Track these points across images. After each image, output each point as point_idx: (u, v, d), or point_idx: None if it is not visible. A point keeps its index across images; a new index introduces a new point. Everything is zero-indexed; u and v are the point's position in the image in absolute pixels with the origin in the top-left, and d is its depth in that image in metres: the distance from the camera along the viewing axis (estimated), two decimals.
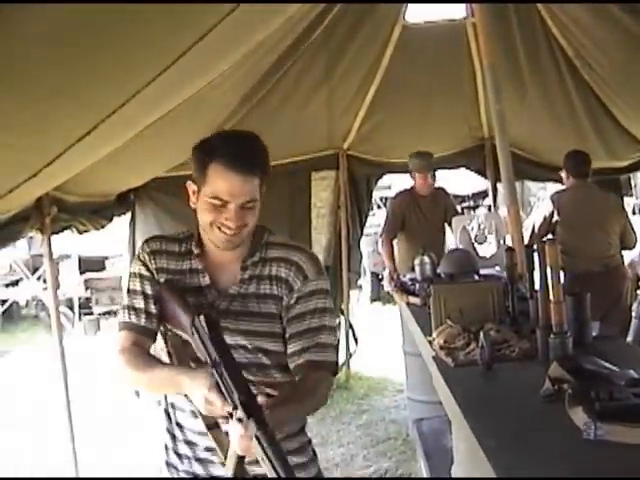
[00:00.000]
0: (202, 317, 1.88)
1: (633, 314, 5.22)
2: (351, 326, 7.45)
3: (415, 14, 5.61)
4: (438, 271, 4.76)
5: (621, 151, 6.71)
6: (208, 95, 3.92)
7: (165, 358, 2.11)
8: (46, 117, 2.36)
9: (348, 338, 7.39)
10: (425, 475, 3.74)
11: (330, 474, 4.98)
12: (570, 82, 5.86)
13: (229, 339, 1.98)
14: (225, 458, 1.90)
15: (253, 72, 4.78)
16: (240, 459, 1.81)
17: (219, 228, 1.94)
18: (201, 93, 3.60)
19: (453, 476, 2.85)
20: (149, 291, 2.08)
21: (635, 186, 11.41)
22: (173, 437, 2.16)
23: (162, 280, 2.08)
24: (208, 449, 2.05)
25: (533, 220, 5.56)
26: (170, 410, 2.16)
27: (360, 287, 9.87)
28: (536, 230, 5.38)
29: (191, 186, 1.99)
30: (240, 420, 1.71)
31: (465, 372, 2.78)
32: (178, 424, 2.14)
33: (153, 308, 2.07)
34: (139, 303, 2.07)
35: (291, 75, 5.38)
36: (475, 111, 6.73)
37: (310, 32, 4.96)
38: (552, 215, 5.37)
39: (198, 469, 2.10)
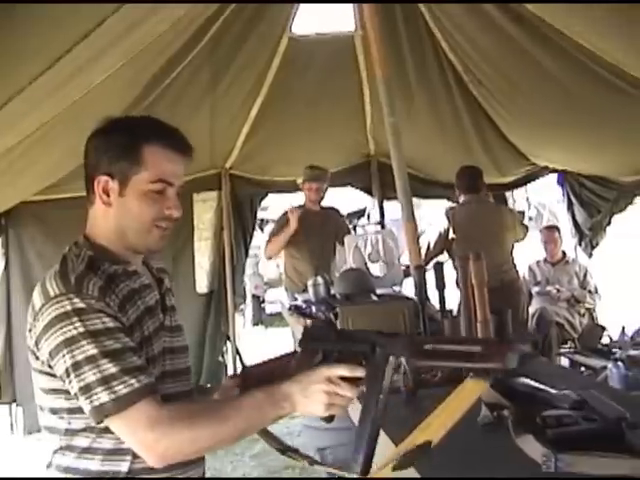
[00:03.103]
0: None
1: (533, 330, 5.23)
2: (238, 352, 7.15)
3: (302, 26, 5.38)
4: (333, 292, 4.59)
5: (507, 167, 6.78)
6: (87, 107, 3.59)
7: None
8: None
9: (235, 364, 7.08)
10: None
11: None
12: (458, 97, 5.83)
13: (183, 359, 1.81)
14: None
15: (134, 83, 4.47)
16: None
17: (156, 225, 1.67)
18: (80, 104, 3.31)
19: None
20: (131, 343, 1.57)
21: (515, 202, 11.75)
22: None
23: (132, 315, 1.63)
24: None
25: (428, 238, 5.45)
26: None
27: (242, 311, 9.59)
28: (431, 247, 5.27)
29: (106, 182, 1.66)
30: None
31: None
32: None
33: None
34: (136, 360, 1.55)
35: (171, 94, 5.02)
36: (362, 128, 6.61)
37: (193, 43, 4.66)
38: (447, 231, 5.29)
39: None
